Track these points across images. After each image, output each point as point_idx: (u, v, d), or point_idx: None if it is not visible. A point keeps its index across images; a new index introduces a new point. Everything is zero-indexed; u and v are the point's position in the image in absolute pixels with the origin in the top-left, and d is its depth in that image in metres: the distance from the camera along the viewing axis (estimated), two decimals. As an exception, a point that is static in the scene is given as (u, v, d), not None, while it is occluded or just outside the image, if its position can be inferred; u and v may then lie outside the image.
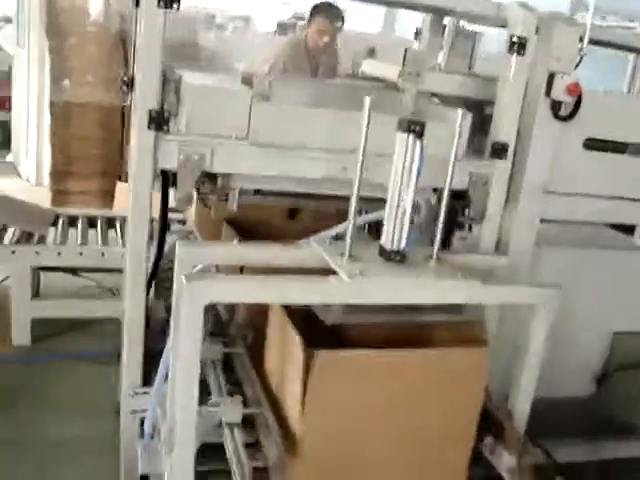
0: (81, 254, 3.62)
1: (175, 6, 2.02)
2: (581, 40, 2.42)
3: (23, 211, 3.86)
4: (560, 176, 2.54)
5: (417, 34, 3.07)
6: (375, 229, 2.59)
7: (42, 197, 3.89)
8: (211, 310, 2.30)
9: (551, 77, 2.35)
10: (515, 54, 2.31)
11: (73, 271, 3.93)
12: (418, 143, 1.82)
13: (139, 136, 2.06)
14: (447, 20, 2.84)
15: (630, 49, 3.20)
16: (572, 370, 3.19)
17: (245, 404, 1.92)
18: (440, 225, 1.97)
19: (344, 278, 1.72)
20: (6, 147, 7.43)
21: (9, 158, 7.25)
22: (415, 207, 2.53)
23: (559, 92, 2.35)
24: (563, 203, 2.58)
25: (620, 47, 3.16)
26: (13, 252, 3.57)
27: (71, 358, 3.51)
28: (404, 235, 1.87)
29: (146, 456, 2.02)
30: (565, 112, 2.43)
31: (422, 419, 1.84)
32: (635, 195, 2.67)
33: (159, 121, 2.05)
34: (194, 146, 2.07)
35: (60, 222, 3.97)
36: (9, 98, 7.17)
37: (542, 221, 2.83)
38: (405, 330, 1.95)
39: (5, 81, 7.39)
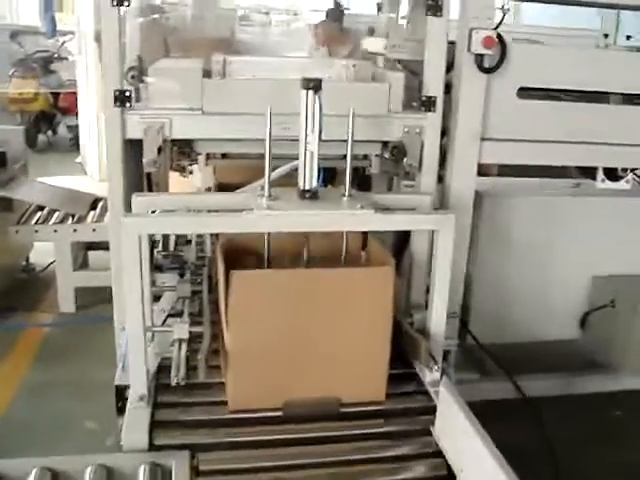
0: (112, 230, 4.10)
1: (126, 4, 2.42)
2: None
3: (66, 197, 4.41)
4: (496, 124, 2.82)
5: (379, 8, 3.40)
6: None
7: (104, 190, 4.41)
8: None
9: (470, 33, 2.65)
10: (433, 15, 2.61)
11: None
12: (316, 96, 2.16)
13: (107, 112, 2.49)
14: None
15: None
16: (556, 314, 3.45)
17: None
18: (348, 166, 2.29)
19: (254, 212, 2.10)
20: (77, 149, 8.13)
21: (78, 159, 7.94)
22: (368, 160, 2.93)
23: (477, 46, 2.63)
24: (501, 148, 2.85)
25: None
26: (55, 231, 4.15)
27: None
28: (314, 175, 2.22)
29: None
30: (490, 64, 2.72)
31: (337, 329, 2.18)
32: (573, 138, 2.91)
33: (122, 99, 2.48)
34: (154, 117, 2.49)
35: (99, 205, 4.49)
36: (76, 104, 7.86)
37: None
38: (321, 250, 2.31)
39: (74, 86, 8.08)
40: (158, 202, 2.38)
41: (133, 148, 2.58)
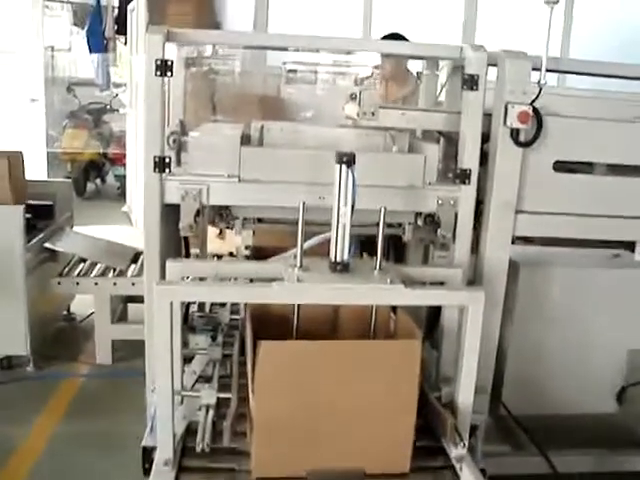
0: (152, 285, 4.18)
1: (169, 74, 2.51)
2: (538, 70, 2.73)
3: (108, 250, 4.52)
4: (532, 197, 2.82)
5: (418, 76, 3.46)
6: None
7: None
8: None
9: (506, 107, 2.68)
10: (469, 89, 2.65)
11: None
12: (350, 170, 2.20)
13: (147, 177, 2.57)
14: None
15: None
16: (592, 387, 3.37)
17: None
18: (380, 239, 2.31)
19: (285, 284, 2.13)
20: (123, 198, 8.33)
21: (124, 208, 8.12)
22: (401, 228, 2.95)
23: (513, 120, 2.66)
24: (536, 221, 2.85)
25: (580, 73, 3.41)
26: (96, 284, 4.23)
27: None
28: (346, 248, 2.25)
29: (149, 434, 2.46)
30: (526, 138, 2.73)
31: (363, 400, 2.18)
32: (610, 212, 2.90)
33: (162, 165, 2.55)
34: (192, 184, 2.56)
35: (140, 259, 4.57)
36: (124, 155, 8.08)
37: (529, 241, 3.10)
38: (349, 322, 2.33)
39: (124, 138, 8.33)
40: (191, 269, 2.43)
41: (171, 212, 2.65)
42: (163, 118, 2.56)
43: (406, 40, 4.62)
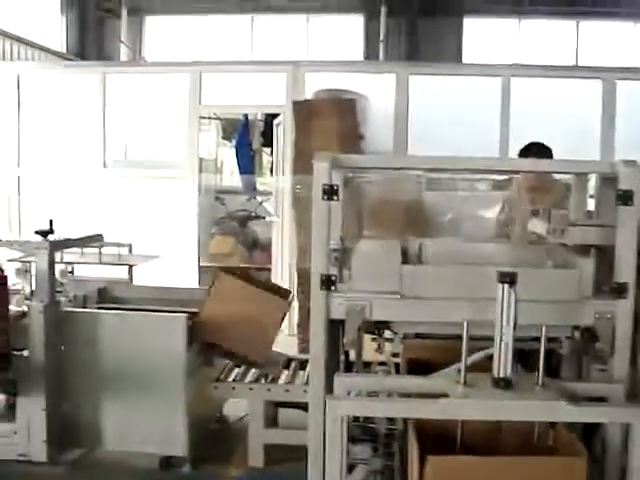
0: (305, 391, 4.32)
1: (335, 198, 2.72)
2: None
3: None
4: (693, 312, 2.79)
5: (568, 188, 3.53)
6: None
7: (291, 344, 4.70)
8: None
9: (665, 222, 2.70)
10: (623, 205, 2.70)
11: (304, 407, 4.65)
12: (511, 290, 2.29)
13: (315, 294, 2.75)
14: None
15: None
16: None
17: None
18: (542, 355, 2.37)
19: (450, 400, 2.22)
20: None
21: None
22: (557, 342, 2.97)
23: (670, 233, 2.68)
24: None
25: None
26: (251, 389, 4.43)
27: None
28: (508, 365, 2.32)
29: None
30: (687, 254, 2.73)
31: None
32: None
33: (328, 283, 2.73)
34: (356, 300, 2.72)
35: (292, 365, 4.75)
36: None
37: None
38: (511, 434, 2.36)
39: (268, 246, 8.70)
40: (358, 383, 2.56)
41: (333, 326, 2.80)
42: (329, 240, 2.76)
43: (547, 148, 4.68)
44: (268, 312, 4.34)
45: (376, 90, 7.59)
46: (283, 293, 4.73)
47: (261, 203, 9.76)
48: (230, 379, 4.59)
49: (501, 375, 2.31)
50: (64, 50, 14.70)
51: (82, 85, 8.24)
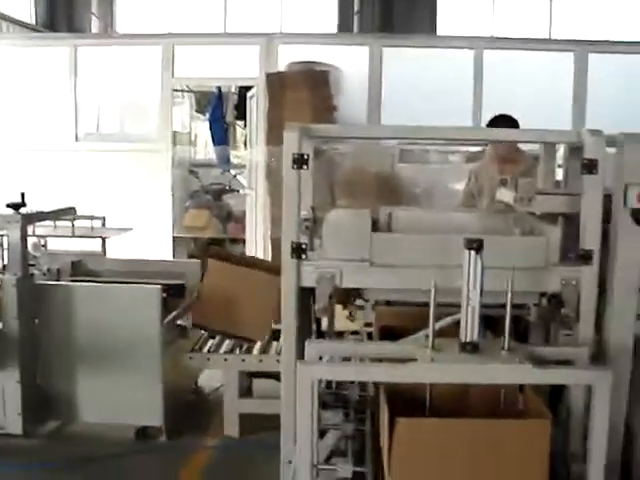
0: (278, 361, 4.36)
1: (305, 167, 2.74)
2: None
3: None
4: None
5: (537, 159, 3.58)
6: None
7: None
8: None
9: (626, 188, 2.76)
10: (588, 173, 2.75)
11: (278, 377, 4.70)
12: (478, 256, 2.34)
13: (285, 262, 2.78)
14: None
15: None
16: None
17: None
18: (507, 320, 2.42)
19: (418, 364, 2.27)
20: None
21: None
22: (525, 308, 3.04)
23: (633, 201, 2.74)
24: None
25: None
26: (225, 359, 4.48)
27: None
28: (475, 329, 2.37)
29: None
30: (648, 218, 2.80)
31: (492, 477, 2.27)
32: None
33: (299, 251, 2.76)
34: (327, 268, 2.75)
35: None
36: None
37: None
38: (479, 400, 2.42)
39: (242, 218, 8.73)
40: (329, 349, 2.60)
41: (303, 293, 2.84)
42: (299, 208, 2.78)
43: (515, 121, 4.74)
44: (262, 291, 4.36)
45: (349, 62, 7.58)
46: (275, 269, 4.75)
47: (235, 176, 9.75)
48: (205, 350, 4.62)
49: (468, 339, 2.37)
50: (34, 22, 14.45)
51: (53, 58, 8.13)
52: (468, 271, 2.35)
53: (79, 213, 5.40)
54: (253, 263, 4.85)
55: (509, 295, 2.39)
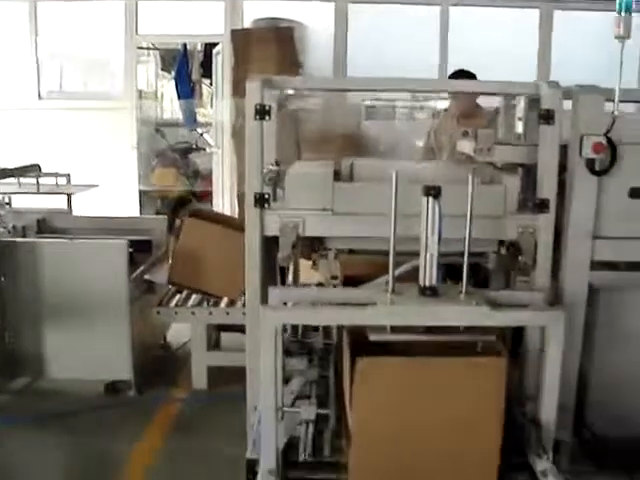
0: (244, 314, 4.42)
1: (267, 118, 2.77)
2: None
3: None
4: (608, 223, 2.95)
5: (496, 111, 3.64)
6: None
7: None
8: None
9: (582, 139, 2.83)
10: (545, 124, 2.81)
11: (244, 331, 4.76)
12: (436, 202, 2.40)
13: (249, 212, 2.82)
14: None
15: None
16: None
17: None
18: (465, 265, 2.49)
19: (378, 307, 2.33)
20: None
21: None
22: (485, 256, 3.11)
23: (588, 151, 2.81)
24: (614, 247, 2.97)
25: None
26: (193, 313, 4.53)
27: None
28: (434, 274, 2.44)
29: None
30: (601, 167, 2.87)
31: (451, 417, 2.35)
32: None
33: (262, 201, 2.80)
34: (289, 217, 2.80)
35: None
36: (210, 191, 8.44)
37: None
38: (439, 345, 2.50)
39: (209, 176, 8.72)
40: (292, 295, 2.66)
41: (268, 243, 2.89)
42: (262, 159, 2.81)
43: (473, 76, 4.82)
44: (237, 249, 4.38)
45: (315, 18, 7.55)
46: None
47: (201, 135, 9.71)
48: (172, 304, 4.66)
49: (427, 284, 2.43)
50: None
51: (12, 14, 7.97)
52: (427, 217, 2.41)
53: (44, 171, 5.36)
54: (229, 222, 4.86)
55: (467, 241, 2.46)
